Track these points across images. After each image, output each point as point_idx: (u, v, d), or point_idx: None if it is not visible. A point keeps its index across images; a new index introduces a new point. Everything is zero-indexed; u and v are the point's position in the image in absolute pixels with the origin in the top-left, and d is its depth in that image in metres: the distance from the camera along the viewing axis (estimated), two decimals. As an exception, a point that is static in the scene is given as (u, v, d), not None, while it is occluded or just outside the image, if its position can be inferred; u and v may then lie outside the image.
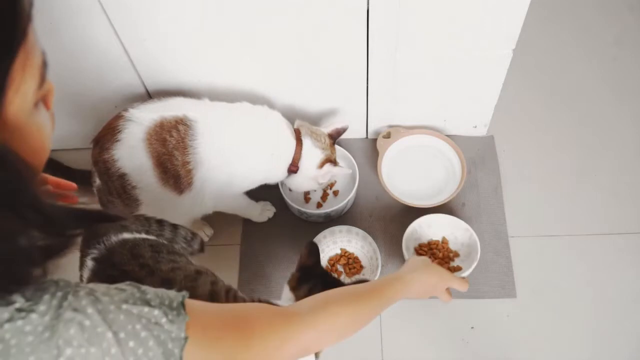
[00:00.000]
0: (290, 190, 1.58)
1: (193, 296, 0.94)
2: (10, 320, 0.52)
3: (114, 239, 1.06)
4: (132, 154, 1.25)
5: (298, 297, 1.08)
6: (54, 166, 1.63)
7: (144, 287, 0.62)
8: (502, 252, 1.49)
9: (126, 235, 1.07)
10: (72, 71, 1.42)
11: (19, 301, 0.53)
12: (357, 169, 1.53)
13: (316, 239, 1.43)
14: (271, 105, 1.50)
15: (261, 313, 0.77)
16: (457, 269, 1.45)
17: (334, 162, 1.43)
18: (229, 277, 1.49)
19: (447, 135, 1.60)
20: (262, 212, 1.55)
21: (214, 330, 0.68)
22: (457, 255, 1.47)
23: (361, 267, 1.48)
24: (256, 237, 1.54)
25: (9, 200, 0.49)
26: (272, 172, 1.41)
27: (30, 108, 0.52)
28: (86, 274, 1.03)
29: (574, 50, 1.85)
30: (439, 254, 1.47)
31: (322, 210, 1.50)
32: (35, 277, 0.54)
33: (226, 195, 1.40)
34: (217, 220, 1.50)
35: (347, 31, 1.28)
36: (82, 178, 1.53)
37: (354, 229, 1.48)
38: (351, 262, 1.48)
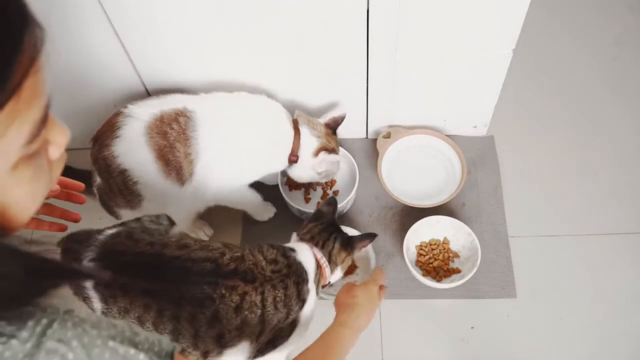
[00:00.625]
0: (290, 190, 1.58)
1: (213, 248, 1.06)
2: None
3: (101, 237, 1.06)
4: (132, 149, 1.25)
5: (301, 234, 1.21)
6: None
7: (137, 329, 0.60)
8: (502, 252, 1.49)
9: (109, 231, 1.08)
10: (72, 71, 1.42)
11: (0, 325, 0.50)
12: (357, 169, 1.53)
13: None
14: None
15: None
16: (457, 270, 1.45)
17: (330, 150, 1.40)
18: (229, 277, 1.48)
19: (447, 135, 1.60)
20: (264, 211, 1.55)
21: None
22: (457, 256, 1.47)
23: (355, 267, 1.48)
24: (256, 237, 1.54)
25: None
26: (273, 161, 1.41)
27: (9, 167, 0.47)
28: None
29: (574, 50, 1.85)
30: (439, 254, 1.47)
31: (322, 210, 1.50)
32: (13, 311, 0.51)
33: (229, 187, 1.40)
34: (217, 220, 1.50)
35: (347, 31, 1.28)
36: (82, 178, 1.53)
37: (350, 230, 1.48)
38: None
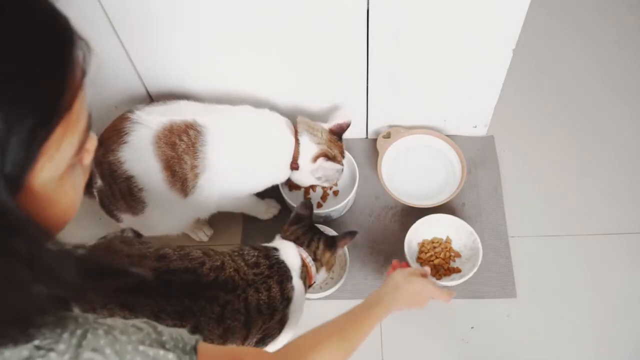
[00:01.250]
0: (290, 190, 1.58)
1: (192, 258, 1.04)
2: (29, 358, 0.51)
3: (81, 251, 1.06)
4: (140, 157, 1.25)
5: (285, 235, 1.24)
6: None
7: (160, 328, 0.62)
8: (502, 252, 1.49)
9: (89, 244, 1.08)
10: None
11: (38, 339, 0.52)
12: (357, 169, 1.53)
13: None
14: (272, 105, 1.50)
15: (259, 356, 0.82)
16: (457, 270, 1.45)
17: (330, 157, 1.40)
18: (229, 277, 1.49)
19: (447, 135, 1.60)
20: (267, 209, 1.55)
21: None
22: (458, 255, 1.47)
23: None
24: (256, 236, 1.54)
25: (20, 258, 0.47)
26: (277, 173, 1.42)
27: (62, 174, 0.50)
28: None
29: (574, 50, 1.85)
30: (440, 252, 1.47)
31: (322, 210, 1.50)
32: (47, 323, 0.53)
33: (233, 197, 1.41)
34: (217, 220, 1.50)
35: (347, 31, 1.28)
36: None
37: (324, 228, 1.48)
38: None
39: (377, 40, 1.30)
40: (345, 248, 1.44)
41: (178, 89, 1.49)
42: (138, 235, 1.19)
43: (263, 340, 1.12)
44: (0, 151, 0.43)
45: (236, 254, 1.13)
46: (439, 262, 1.46)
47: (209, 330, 1.03)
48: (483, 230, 1.51)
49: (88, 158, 0.54)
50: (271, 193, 1.53)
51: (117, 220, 1.37)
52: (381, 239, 1.53)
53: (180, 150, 1.25)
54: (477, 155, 1.65)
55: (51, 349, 0.52)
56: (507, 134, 1.68)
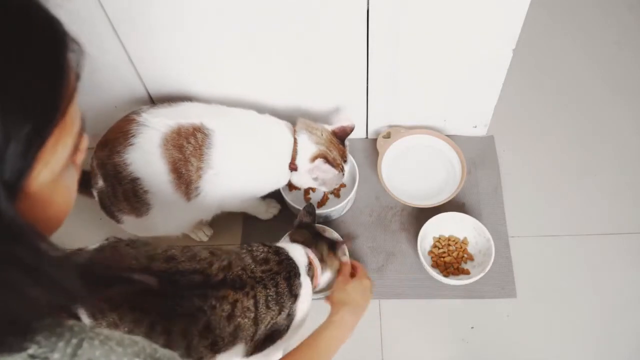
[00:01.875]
0: (290, 190, 1.58)
1: (200, 258, 1.07)
2: None
3: (86, 254, 1.07)
4: (147, 159, 1.26)
5: (292, 237, 1.26)
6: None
7: (155, 346, 0.62)
8: (502, 252, 1.49)
9: (92, 247, 1.09)
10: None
11: (32, 347, 0.51)
12: (357, 169, 1.53)
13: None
14: (272, 106, 1.51)
15: None
16: (466, 272, 1.45)
17: (329, 160, 1.38)
18: (229, 277, 1.49)
19: (447, 135, 1.60)
20: (267, 209, 1.55)
21: None
22: (471, 258, 1.47)
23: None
24: (256, 237, 1.54)
25: (18, 262, 0.47)
26: (277, 174, 1.42)
27: (58, 176, 0.50)
28: None
29: (574, 50, 1.85)
30: (453, 251, 1.48)
31: (322, 210, 1.50)
32: (44, 326, 0.52)
33: (236, 199, 1.42)
34: (217, 220, 1.50)
35: (347, 31, 1.28)
36: (82, 179, 1.53)
37: (329, 229, 1.49)
38: None
39: (377, 40, 1.30)
40: (346, 249, 1.44)
41: (178, 90, 1.49)
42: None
43: (271, 338, 1.13)
44: None
45: (244, 251, 1.14)
46: (450, 260, 1.46)
47: (220, 328, 1.03)
48: (483, 230, 1.51)
49: (81, 157, 0.54)
50: (271, 193, 1.53)
51: (118, 221, 1.37)
52: (381, 239, 1.53)
53: (187, 152, 1.26)
54: (477, 155, 1.65)
55: (46, 358, 0.51)
56: (507, 134, 1.68)
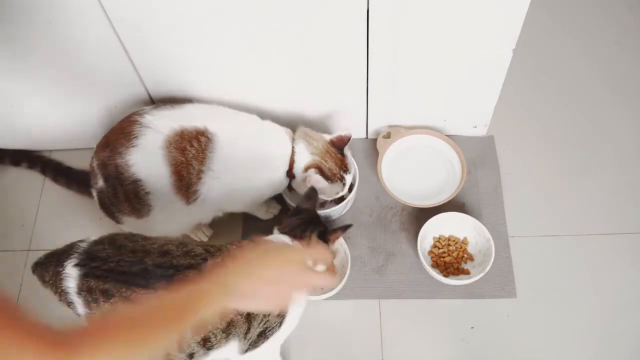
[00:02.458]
0: (290, 190, 1.57)
1: (195, 254, 1.05)
2: None
3: (83, 244, 1.08)
4: (149, 161, 1.26)
5: (281, 227, 1.21)
6: (54, 167, 1.64)
7: None
8: (502, 252, 1.49)
9: (92, 238, 1.10)
10: (72, 71, 1.42)
11: None
12: (357, 169, 1.53)
13: None
14: (272, 106, 1.51)
15: None
16: (466, 272, 1.45)
17: (322, 170, 1.37)
18: (229, 277, 1.49)
19: (447, 135, 1.60)
20: (267, 209, 1.56)
21: None
22: (471, 258, 1.47)
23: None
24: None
25: None
26: (275, 180, 1.42)
27: None
28: (71, 282, 1.04)
29: (573, 50, 1.84)
30: (453, 251, 1.48)
31: (322, 211, 1.50)
32: None
33: (235, 203, 1.42)
34: (217, 220, 1.50)
35: (347, 31, 1.28)
36: (82, 179, 1.54)
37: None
38: None
39: (377, 40, 1.30)
40: (347, 248, 1.44)
41: (178, 90, 1.49)
42: None
43: (264, 334, 1.13)
44: None
45: (234, 247, 1.14)
46: (450, 260, 1.46)
47: (213, 325, 1.04)
48: (483, 230, 1.51)
49: None
50: (271, 193, 1.54)
51: (118, 221, 1.37)
52: (381, 239, 1.53)
53: (190, 155, 1.27)
54: (477, 155, 1.65)
55: None
56: (507, 134, 1.68)
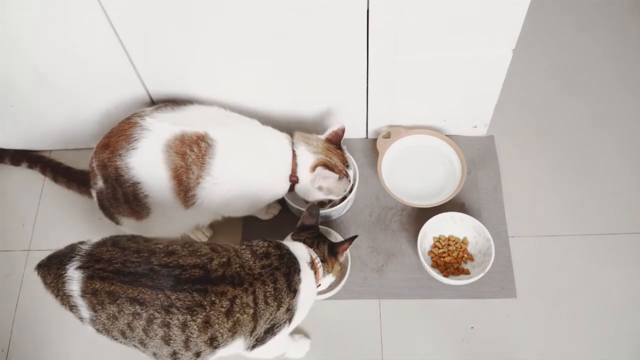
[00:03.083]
0: (290, 190, 1.57)
1: (201, 254, 1.07)
2: None
3: (85, 247, 1.08)
4: (149, 164, 1.26)
5: (294, 237, 1.27)
6: (54, 167, 1.64)
7: None
8: (502, 252, 1.49)
9: (94, 240, 1.10)
10: (72, 72, 1.42)
11: None
12: (357, 169, 1.53)
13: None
14: (272, 106, 1.51)
15: None
16: (466, 272, 1.45)
17: (329, 167, 1.38)
18: (229, 277, 1.49)
19: (447, 135, 1.60)
20: (267, 210, 1.56)
21: None
22: (471, 259, 1.47)
23: None
24: (256, 236, 1.52)
25: None
26: (276, 186, 1.42)
27: None
28: (74, 285, 1.04)
29: (574, 50, 1.84)
30: (453, 251, 1.48)
31: (322, 210, 1.50)
32: None
33: (234, 208, 1.42)
34: (216, 221, 1.50)
35: (347, 31, 1.28)
36: (82, 179, 1.54)
37: (333, 232, 1.49)
38: None
39: (377, 40, 1.30)
40: (347, 250, 1.45)
41: (178, 90, 1.49)
42: None
43: (272, 330, 1.14)
44: None
45: (244, 247, 1.15)
46: (450, 260, 1.46)
47: (219, 323, 1.04)
48: (483, 230, 1.51)
49: None
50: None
51: (117, 222, 1.37)
52: (381, 239, 1.53)
53: (189, 160, 1.26)
54: (477, 155, 1.65)
55: None
56: (507, 134, 1.68)
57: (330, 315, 1.44)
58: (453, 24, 1.27)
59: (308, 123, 1.51)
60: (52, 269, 1.06)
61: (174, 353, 1.06)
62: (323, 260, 1.24)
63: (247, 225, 1.57)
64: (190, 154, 1.26)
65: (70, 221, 1.61)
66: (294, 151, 1.38)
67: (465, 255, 1.48)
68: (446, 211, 1.48)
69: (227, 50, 1.36)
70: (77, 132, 1.63)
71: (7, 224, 1.64)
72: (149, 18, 1.27)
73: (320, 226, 1.50)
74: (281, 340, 1.18)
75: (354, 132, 1.66)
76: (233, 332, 1.07)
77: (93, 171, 1.32)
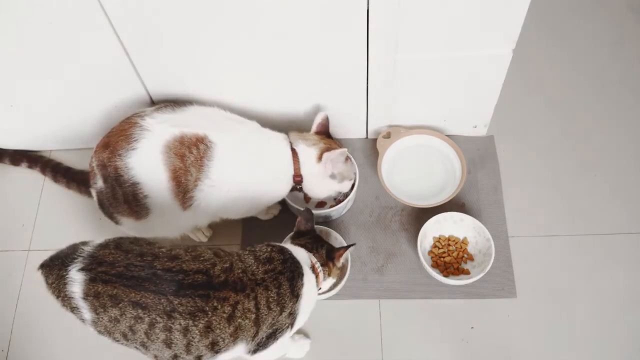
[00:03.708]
0: (290, 190, 1.57)
1: (204, 259, 1.07)
2: None
3: (88, 248, 1.07)
4: (148, 164, 1.26)
5: (294, 242, 1.26)
6: (54, 166, 1.64)
7: None
8: (502, 252, 1.49)
9: (96, 242, 1.10)
10: (71, 72, 1.42)
11: None
12: (357, 169, 1.53)
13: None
14: (273, 106, 1.51)
15: None
16: (466, 272, 1.45)
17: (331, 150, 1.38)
18: (229, 277, 1.49)
19: (447, 135, 1.60)
20: (268, 210, 1.56)
21: None
22: (471, 259, 1.47)
23: None
24: (256, 237, 1.54)
25: None
26: (277, 189, 1.42)
27: None
28: (76, 287, 1.03)
29: (574, 50, 1.84)
30: (453, 251, 1.48)
31: (322, 211, 1.50)
32: None
33: (233, 210, 1.42)
34: (215, 222, 1.50)
35: (346, 31, 1.28)
36: (82, 178, 1.54)
37: (333, 233, 1.49)
38: None
39: (377, 40, 1.30)
40: (347, 252, 1.45)
41: (178, 90, 1.49)
42: None
43: (274, 335, 1.13)
44: None
45: (247, 252, 1.15)
46: (450, 260, 1.46)
47: (220, 329, 1.04)
48: (483, 230, 1.51)
49: None
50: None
51: (116, 222, 1.37)
52: (381, 239, 1.54)
53: (188, 162, 1.26)
54: (477, 155, 1.65)
55: None
56: (507, 134, 1.68)
57: (330, 315, 1.44)
58: (453, 23, 1.27)
59: (308, 123, 1.51)
60: (54, 269, 1.06)
61: (175, 356, 1.06)
62: (323, 264, 1.24)
63: (247, 225, 1.57)
64: (189, 156, 1.26)
65: (70, 221, 1.61)
66: (294, 150, 1.38)
67: (465, 255, 1.48)
68: (446, 211, 1.48)
69: (227, 51, 1.36)
70: (77, 132, 1.63)
71: (7, 224, 1.64)
72: (149, 18, 1.27)
73: (320, 226, 1.50)
74: (283, 343, 1.18)
75: (354, 132, 1.66)
76: (235, 337, 1.07)
77: (93, 171, 1.32)
